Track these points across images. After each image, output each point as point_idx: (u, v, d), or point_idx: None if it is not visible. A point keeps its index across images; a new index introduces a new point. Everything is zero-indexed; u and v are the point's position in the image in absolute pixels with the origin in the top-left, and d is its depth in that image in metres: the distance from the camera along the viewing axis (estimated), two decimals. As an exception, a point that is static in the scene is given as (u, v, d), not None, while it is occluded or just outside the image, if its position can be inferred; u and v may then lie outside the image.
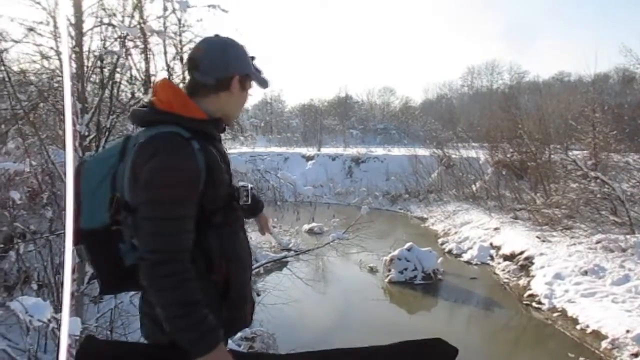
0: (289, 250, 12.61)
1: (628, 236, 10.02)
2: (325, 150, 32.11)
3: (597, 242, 10.24)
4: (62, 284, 4.88)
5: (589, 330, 7.55)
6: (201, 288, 1.48)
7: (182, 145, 1.46)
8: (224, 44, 1.63)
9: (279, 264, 11.18)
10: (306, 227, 16.27)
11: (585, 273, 9.17)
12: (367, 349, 1.72)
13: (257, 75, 1.70)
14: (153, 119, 1.55)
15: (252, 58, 1.69)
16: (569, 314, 8.21)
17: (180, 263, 1.43)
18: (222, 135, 1.77)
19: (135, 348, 1.80)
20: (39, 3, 5.42)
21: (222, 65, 1.60)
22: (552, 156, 14.51)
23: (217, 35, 1.67)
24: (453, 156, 21.82)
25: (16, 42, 5.66)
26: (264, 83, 1.73)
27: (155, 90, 1.60)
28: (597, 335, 7.34)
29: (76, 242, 1.59)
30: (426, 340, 1.71)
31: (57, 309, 3.87)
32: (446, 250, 13.75)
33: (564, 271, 9.46)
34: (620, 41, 50.79)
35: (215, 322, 1.46)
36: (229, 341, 1.80)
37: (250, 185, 1.78)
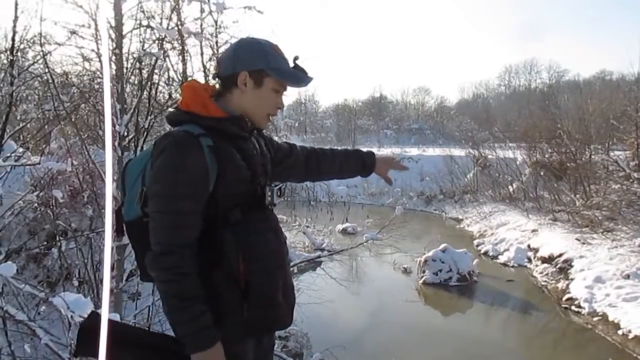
0: (322, 250, 12.63)
1: (673, 239, 9.67)
2: (359, 150, 31.87)
3: (640, 245, 9.94)
4: (101, 280, 4.99)
5: (631, 336, 7.33)
6: (219, 286, 1.53)
7: (188, 143, 1.50)
8: (238, 43, 1.68)
9: (313, 264, 11.18)
10: (340, 227, 16.26)
11: (628, 277, 8.90)
12: None
13: (280, 72, 1.64)
14: (176, 119, 1.64)
15: (296, 58, 1.66)
16: (610, 318, 7.98)
17: (180, 257, 1.45)
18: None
19: (139, 333, 1.84)
20: (81, 7, 5.55)
21: (230, 63, 1.64)
22: (593, 157, 14.09)
23: (247, 37, 1.72)
24: (489, 156, 21.43)
25: (59, 44, 5.81)
26: (292, 80, 1.68)
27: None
28: (640, 341, 7.13)
29: (121, 233, 1.68)
30: None
31: (97, 305, 3.97)
32: (482, 251, 13.53)
33: (605, 274, 9.19)
34: (666, 38, 48.90)
35: (212, 322, 1.48)
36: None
37: (279, 185, 1.76)
